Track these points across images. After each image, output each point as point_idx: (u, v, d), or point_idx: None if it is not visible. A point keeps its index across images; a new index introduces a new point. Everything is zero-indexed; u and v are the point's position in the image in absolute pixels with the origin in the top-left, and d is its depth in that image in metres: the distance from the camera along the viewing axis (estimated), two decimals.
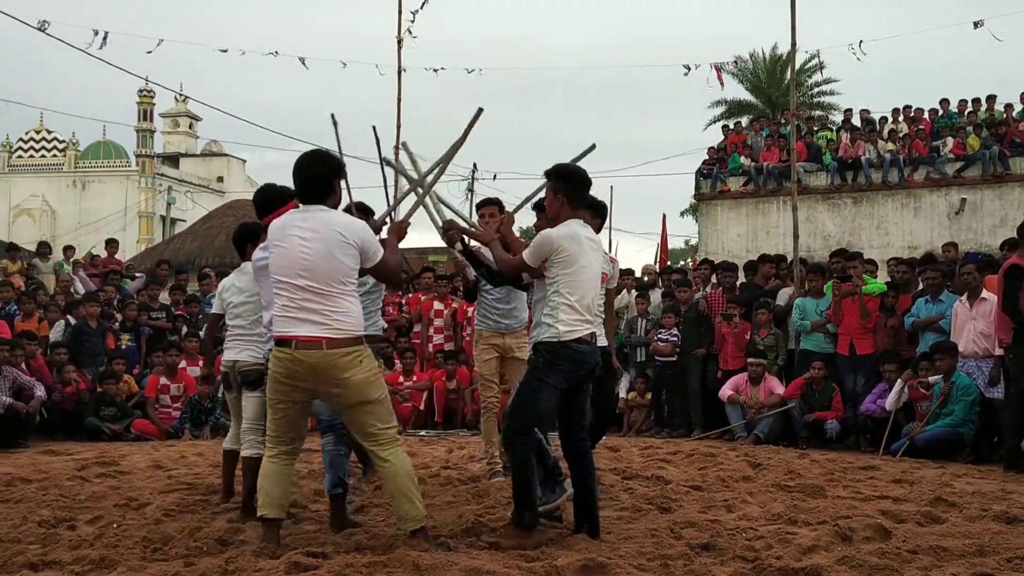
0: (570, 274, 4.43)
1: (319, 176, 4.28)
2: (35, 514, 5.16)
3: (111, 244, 15.60)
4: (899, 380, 8.29)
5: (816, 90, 32.46)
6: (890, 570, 3.97)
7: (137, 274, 13.92)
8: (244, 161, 50.53)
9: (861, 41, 15.80)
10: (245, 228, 5.57)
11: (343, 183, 4.45)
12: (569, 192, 4.60)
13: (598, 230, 5.26)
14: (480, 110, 5.03)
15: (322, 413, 4.96)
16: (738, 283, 10.82)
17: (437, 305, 10.99)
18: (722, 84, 20.30)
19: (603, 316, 5.59)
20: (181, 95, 40.79)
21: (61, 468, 7.13)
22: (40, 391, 9.00)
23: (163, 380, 9.81)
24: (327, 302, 4.13)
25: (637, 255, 52.97)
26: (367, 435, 4.27)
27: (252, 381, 5.25)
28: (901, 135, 19.43)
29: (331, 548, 4.36)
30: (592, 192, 5.02)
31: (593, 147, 5.40)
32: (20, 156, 44.91)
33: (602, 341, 5.32)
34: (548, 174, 4.63)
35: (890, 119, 20.12)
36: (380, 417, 4.25)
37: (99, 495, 5.94)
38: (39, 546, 4.47)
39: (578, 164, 4.85)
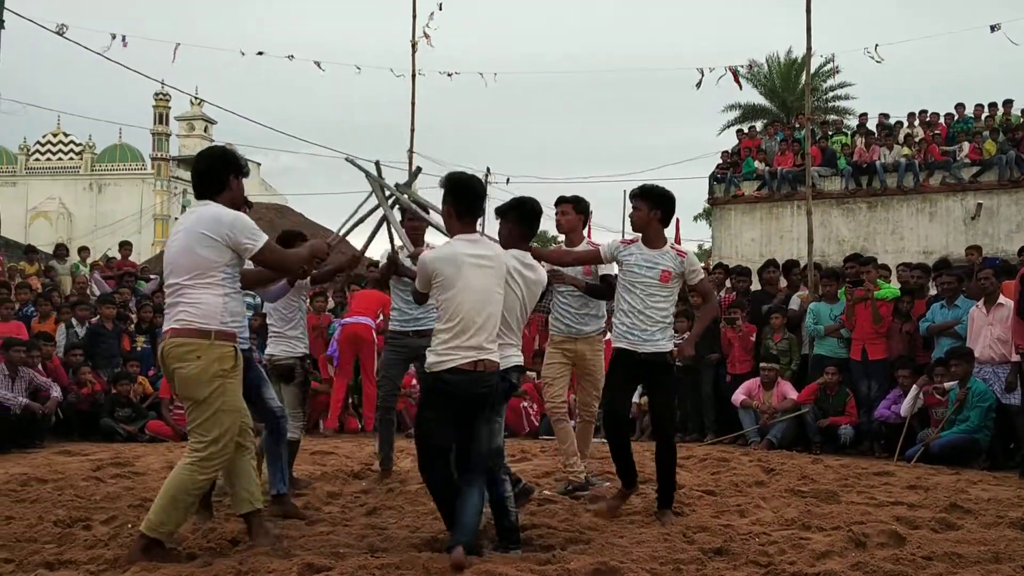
0: (448, 299, 4.20)
1: (206, 170, 4.33)
2: (51, 514, 5.20)
3: (125, 247, 15.72)
4: (914, 386, 8.25)
5: (831, 94, 32.37)
6: None
7: (151, 276, 14.01)
8: (259, 164, 50.76)
9: (877, 45, 15.69)
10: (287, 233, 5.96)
11: (237, 183, 4.42)
12: (455, 204, 4.35)
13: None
14: (419, 168, 5.30)
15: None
16: (751, 288, 10.79)
17: None
18: (740, 86, 20.24)
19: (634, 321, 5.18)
20: (197, 98, 41.02)
21: (76, 468, 7.17)
22: (56, 392, 9.06)
23: None
24: (184, 295, 4.15)
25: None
26: (189, 432, 4.24)
27: (283, 374, 5.82)
28: (917, 140, 19.33)
29: (344, 549, 4.38)
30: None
31: (419, 169, 5.49)
32: (37, 159, 45.32)
33: (647, 347, 5.15)
34: (440, 182, 4.39)
35: (905, 123, 20.03)
36: (200, 422, 4.12)
37: (114, 495, 5.98)
38: (55, 545, 4.50)
39: (467, 174, 4.47)
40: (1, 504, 5.55)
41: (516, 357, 4.64)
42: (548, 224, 6.92)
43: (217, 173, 4.33)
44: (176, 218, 42.56)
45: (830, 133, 20.80)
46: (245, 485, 4.42)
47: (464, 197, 4.36)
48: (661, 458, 5.30)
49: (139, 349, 10.81)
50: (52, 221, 43.27)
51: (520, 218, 4.75)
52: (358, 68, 19.37)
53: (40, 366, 9.21)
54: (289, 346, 5.86)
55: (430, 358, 4.24)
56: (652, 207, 5.21)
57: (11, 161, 43.35)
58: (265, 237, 4.27)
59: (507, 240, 4.70)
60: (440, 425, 4.24)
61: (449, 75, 18.49)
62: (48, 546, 4.48)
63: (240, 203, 4.46)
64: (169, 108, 44.31)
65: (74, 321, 10.65)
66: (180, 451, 8.42)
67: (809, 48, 11.87)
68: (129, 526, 4.98)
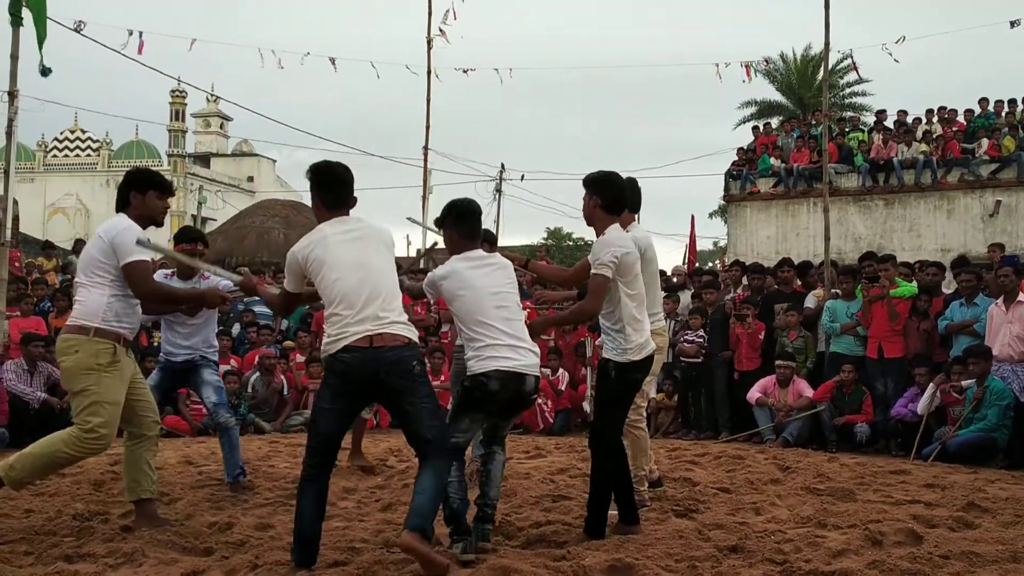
0: (319, 281, 3.97)
1: (120, 187, 4.71)
2: (69, 507, 5.25)
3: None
4: (931, 384, 8.20)
5: (848, 91, 32.18)
6: (921, 575, 3.93)
7: (168, 272, 14.07)
8: (274, 161, 51.01)
9: (903, 37, 15.51)
10: None
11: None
12: (318, 194, 4.17)
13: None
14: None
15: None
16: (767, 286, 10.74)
17: None
18: (750, 78, 20.15)
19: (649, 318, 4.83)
20: (213, 95, 41.20)
21: (94, 463, 7.20)
22: None
23: None
24: (78, 292, 4.58)
25: (666, 256, 52.87)
26: (73, 419, 4.49)
27: None
28: (935, 136, 19.21)
29: (360, 544, 4.40)
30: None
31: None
32: (55, 155, 45.63)
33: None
34: (305, 174, 4.26)
35: (924, 120, 19.89)
36: (79, 411, 4.43)
37: None
38: (73, 539, 4.54)
39: (329, 163, 4.29)
40: (21, 497, 5.60)
41: (528, 359, 4.30)
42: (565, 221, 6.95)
43: (122, 190, 4.70)
44: (192, 214, 42.82)
45: (847, 130, 20.70)
46: (133, 475, 4.82)
47: (327, 187, 4.15)
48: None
49: (156, 344, 10.86)
50: (70, 217, 43.55)
51: (456, 220, 4.53)
52: (373, 65, 19.33)
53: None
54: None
55: (325, 340, 3.97)
56: (591, 194, 4.74)
57: (29, 158, 43.65)
58: (135, 259, 4.47)
59: (452, 246, 4.51)
60: (327, 412, 3.93)
61: (465, 72, 18.48)
62: (67, 539, 4.53)
63: (147, 218, 4.71)
64: (185, 105, 44.50)
65: None
66: (197, 446, 8.50)
67: (827, 44, 11.79)
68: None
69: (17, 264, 12.95)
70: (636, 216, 5.77)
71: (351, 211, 4.21)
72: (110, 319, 4.47)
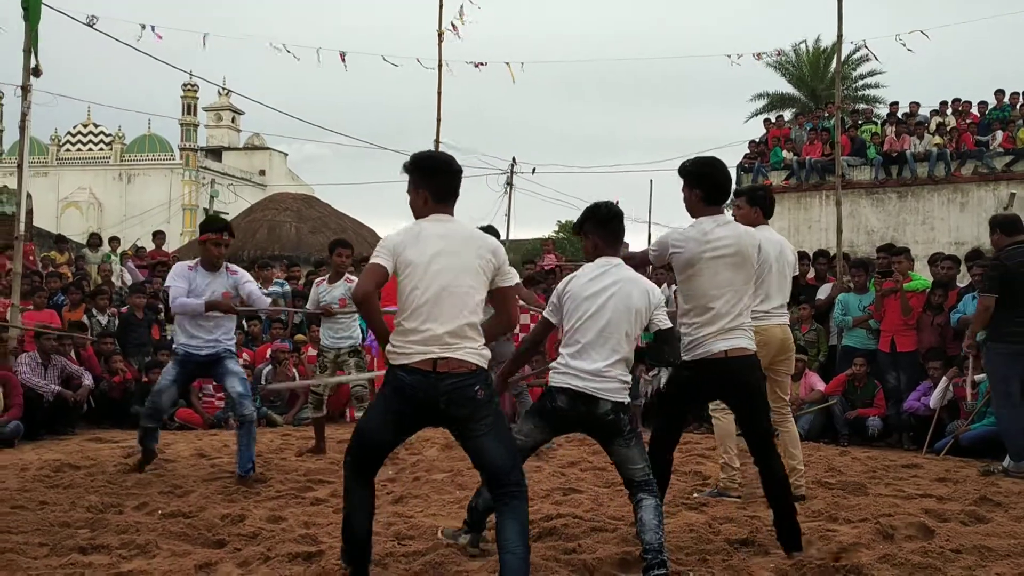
0: (400, 282, 3.64)
1: None
2: (83, 499, 5.29)
3: (158, 236, 15.90)
4: (944, 378, 8.16)
5: (861, 83, 32.00)
6: (933, 569, 3.92)
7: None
8: (286, 155, 51.08)
9: (919, 30, 15.37)
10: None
11: None
12: (425, 183, 3.77)
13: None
14: None
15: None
16: None
17: None
18: (759, 58, 20.03)
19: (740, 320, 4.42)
20: (224, 89, 41.29)
21: (108, 455, 7.28)
22: (88, 380, 9.19)
23: None
24: None
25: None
26: None
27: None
28: (949, 129, 19.08)
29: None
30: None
31: None
32: (68, 150, 45.83)
33: (721, 345, 4.29)
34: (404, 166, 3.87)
35: (938, 112, 19.75)
36: None
37: (145, 482, 6.07)
38: (88, 530, 4.58)
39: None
40: (35, 489, 5.65)
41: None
42: (576, 214, 6.99)
43: None
44: (205, 208, 42.97)
45: (860, 122, 20.58)
46: None
47: (437, 174, 3.78)
48: None
49: (169, 338, 10.93)
50: (83, 211, 43.75)
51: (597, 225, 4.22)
52: (385, 59, 19.31)
53: (73, 354, 9.35)
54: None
55: (387, 348, 3.66)
56: (689, 187, 4.47)
57: (42, 152, 43.84)
58: None
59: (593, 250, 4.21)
60: (381, 418, 3.65)
61: (476, 65, 18.44)
62: (81, 531, 4.57)
63: None
64: (197, 99, 44.57)
65: (94, 311, 10.78)
66: (210, 438, 8.55)
67: (840, 35, 11.72)
68: (159, 512, 5.06)
69: (32, 258, 13.01)
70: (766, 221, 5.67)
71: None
72: None
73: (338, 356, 7.36)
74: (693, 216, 4.42)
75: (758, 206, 5.60)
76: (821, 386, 9.08)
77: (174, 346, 6.33)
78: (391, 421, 3.61)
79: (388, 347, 3.61)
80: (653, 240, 4.70)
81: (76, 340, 9.49)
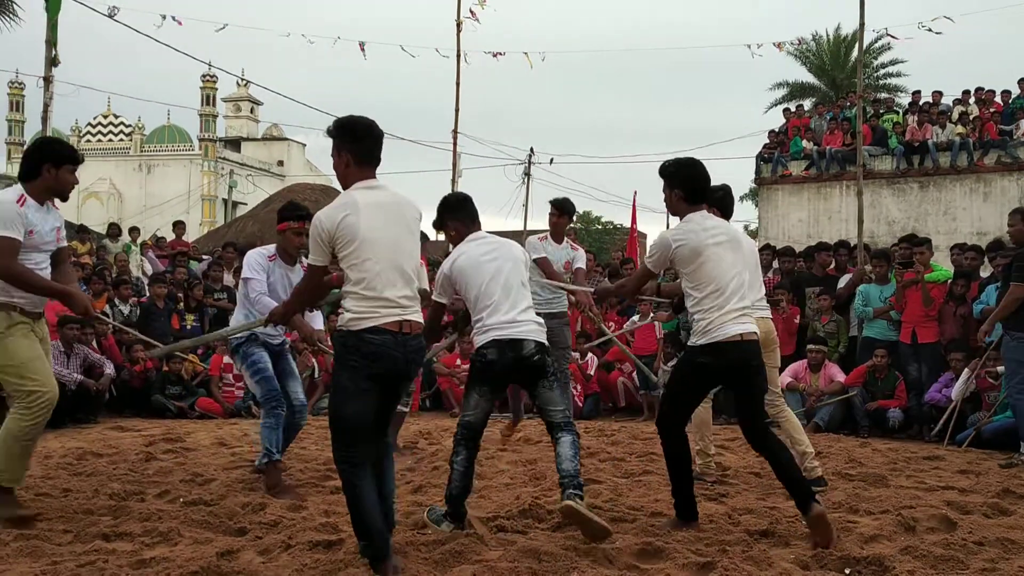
0: (348, 256, 3.67)
1: (25, 156, 4.59)
2: (106, 487, 5.34)
3: (178, 226, 15.99)
4: (966, 369, 8.10)
5: (882, 72, 31.71)
6: (955, 561, 3.89)
7: (204, 256, 14.23)
8: (304, 145, 51.22)
9: (942, 17, 15.18)
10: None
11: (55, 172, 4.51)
12: (349, 147, 3.79)
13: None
14: None
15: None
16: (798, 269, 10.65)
17: None
18: (781, 49, 19.89)
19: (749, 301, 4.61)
20: (243, 80, 41.43)
21: (130, 444, 7.34)
22: (110, 369, 9.27)
23: (227, 359, 10.01)
24: None
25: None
26: (7, 391, 4.56)
27: None
28: (972, 118, 18.87)
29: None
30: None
31: None
32: (89, 140, 46.16)
33: (737, 329, 4.39)
34: (328, 130, 3.91)
35: (960, 101, 19.53)
36: (7, 385, 4.51)
37: (166, 470, 6.12)
38: (111, 517, 4.62)
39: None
40: (59, 477, 5.71)
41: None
42: (594, 205, 7.03)
43: (33, 160, 4.54)
44: (224, 199, 43.20)
45: (881, 111, 20.39)
46: None
47: (361, 139, 3.79)
48: None
49: (188, 328, 11.01)
50: (103, 201, 44.10)
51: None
52: (403, 48, 19.31)
53: (95, 343, 9.43)
54: None
55: (344, 315, 3.69)
56: (671, 187, 4.66)
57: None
58: (3, 233, 4.32)
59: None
60: (354, 393, 3.65)
61: (495, 55, 18.41)
62: (104, 518, 4.60)
63: (57, 192, 4.62)
64: (216, 89, 44.78)
65: (116, 300, 10.86)
66: (229, 427, 8.61)
67: (862, 23, 11.61)
68: (181, 500, 5.10)
69: None
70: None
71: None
72: (3, 296, 4.42)
73: None
74: (678, 215, 4.63)
75: (715, 206, 5.52)
76: (841, 377, 9.03)
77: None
78: (366, 391, 3.63)
79: (348, 315, 3.65)
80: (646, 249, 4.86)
81: (98, 330, 9.55)
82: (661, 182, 4.65)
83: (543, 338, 4.44)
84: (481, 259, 4.45)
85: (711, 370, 4.51)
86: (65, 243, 4.84)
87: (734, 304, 4.41)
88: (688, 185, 4.56)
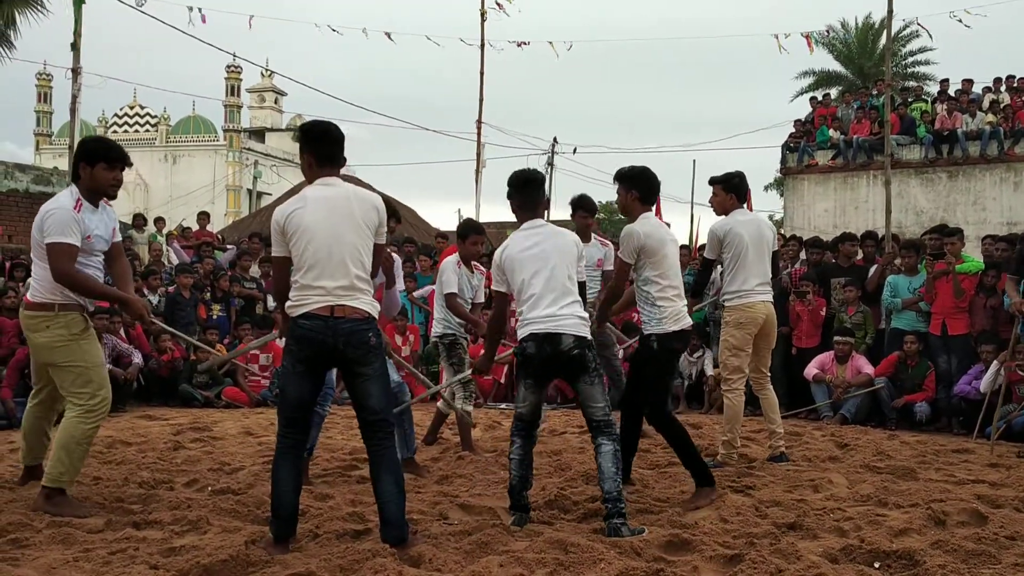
0: (293, 246, 3.90)
1: (74, 157, 4.74)
2: (136, 476, 5.40)
3: (203, 217, 16.10)
4: (995, 361, 7.99)
5: (911, 59, 31.31)
6: (987, 556, 3.85)
7: (229, 246, 14.32)
8: None
9: (974, 10, 14.96)
10: None
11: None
12: (309, 149, 4.04)
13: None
14: None
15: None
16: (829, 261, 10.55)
17: None
18: (811, 50, 19.69)
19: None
20: (267, 70, 41.55)
21: (158, 432, 7.42)
22: (138, 358, 9.36)
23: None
24: (33, 271, 4.74)
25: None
26: (63, 394, 4.62)
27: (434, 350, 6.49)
28: (1002, 106, 18.59)
29: (417, 516, 4.45)
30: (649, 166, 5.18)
31: None
32: (115, 131, 46.49)
33: (688, 319, 5.10)
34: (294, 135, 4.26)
35: (991, 89, 19.24)
36: (67, 381, 4.56)
37: (194, 459, 6.17)
38: (140, 505, 4.67)
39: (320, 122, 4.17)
40: (89, 465, 5.76)
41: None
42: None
43: (74, 161, 4.73)
44: (248, 189, 43.45)
45: (909, 100, 20.13)
46: (32, 440, 5.00)
47: (320, 141, 4.05)
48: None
49: (215, 317, 11.09)
50: (130, 192, 44.36)
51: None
52: (429, 38, 19.31)
53: (123, 333, 9.52)
54: (437, 325, 6.49)
55: (287, 304, 3.95)
56: (627, 188, 5.15)
57: (90, 133, 44.56)
58: (61, 240, 4.43)
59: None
60: (294, 377, 3.91)
61: (519, 45, 18.36)
62: (134, 506, 4.66)
63: (96, 191, 4.67)
64: (241, 80, 44.97)
65: (146, 290, 10.95)
66: (256, 416, 8.67)
67: (890, 10, 11.46)
68: (209, 489, 5.14)
69: None
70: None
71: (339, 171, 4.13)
72: (68, 294, 4.52)
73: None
74: (632, 215, 5.12)
75: (732, 192, 6.09)
76: (868, 369, 8.95)
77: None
78: (301, 373, 3.90)
79: (288, 303, 3.93)
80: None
81: (125, 320, 9.64)
82: (659, 178, 5.18)
83: (585, 332, 4.41)
84: (526, 250, 4.47)
85: (678, 354, 5.24)
86: (119, 238, 4.93)
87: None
88: (645, 186, 5.10)
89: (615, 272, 5.36)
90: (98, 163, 4.61)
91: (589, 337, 4.44)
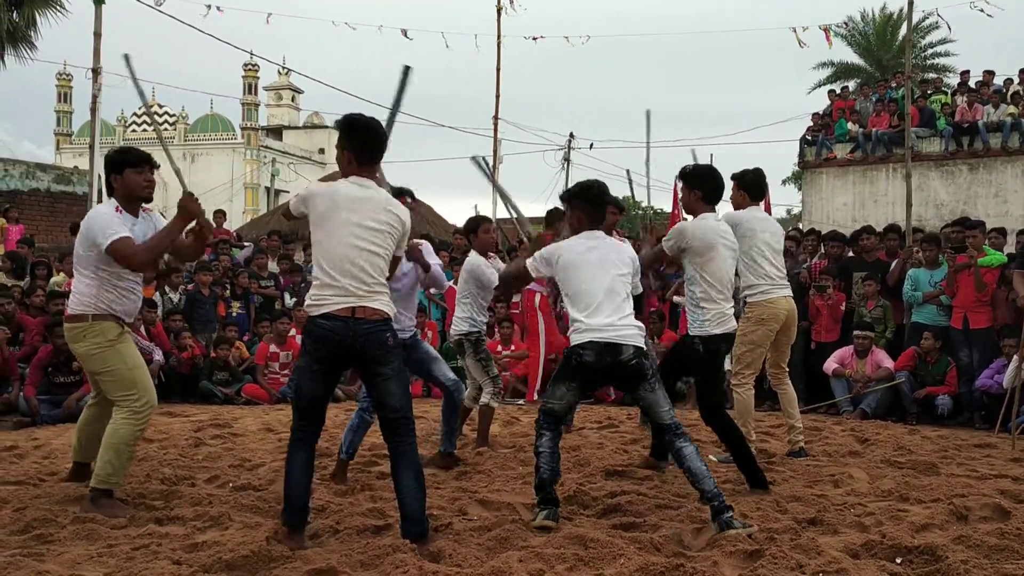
0: (318, 241, 3.95)
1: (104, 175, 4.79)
2: (158, 472, 5.44)
3: (219, 214, 16.18)
4: (1015, 356, 7.92)
5: (930, 51, 31.04)
6: (1010, 551, 3.82)
7: (246, 243, 14.40)
8: None
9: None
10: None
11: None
12: (351, 146, 4.03)
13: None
14: (407, 68, 4.65)
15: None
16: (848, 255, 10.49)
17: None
18: (830, 44, 19.56)
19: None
20: (284, 68, 41.74)
21: (179, 429, 7.47)
22: (158, 356, 9.43)
23: (272, 347, 10.15)
24: (74, 284, 4.80)
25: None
26: (110, 399, 4.71)
27: (458, 348, 6.40)
28: None
29: (437, 511, 4.46)
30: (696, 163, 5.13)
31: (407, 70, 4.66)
32: (134, 130, 46.82)
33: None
34: (336, 124, 4.20)
35: (1016, 80, 19.02)
36: (112, 387, 4.66)
37: (215, 455, 6.22)
38: (163, 502, 4.71)
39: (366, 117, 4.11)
40: None
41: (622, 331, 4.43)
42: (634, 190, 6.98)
43: (105, 179, 4.79)
44: (266, 187, 43.64)
45: (929, 92, 19.96)
46: (83, 438, 5.06)
47: (365, 141, 4.05)
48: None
49: (234, 315, 11.16)
50: None
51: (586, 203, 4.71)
52: (443, 36, 19.32)
53: (143, 331, 9.59)
54: (458, 323, 6.38)
55: (306, 303, 4.00)
56: (690, 188, 5.29)
57: (110, 133, 44.75)
58: (115, 236, 4.50)
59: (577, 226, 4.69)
60: (308, 374, 3.96)
61: (534, 39, 18.34)
62: (156, 502, 4.70)
63: (133, 198, 4.75)
64: (258, 78, 45.15)
65: (167, 288, 11.02)
66: (276, 413, 8.72)
67: (911, 1, 11.35)
68: (230, 485, 5.18)
69: None
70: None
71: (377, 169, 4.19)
72: (103, 307, 4.62)
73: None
74: (694, 213, 5.22)
75: (744, 190, 6.05)
76: (888, 363, 8.89)
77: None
78: (318, 371, 3.94)
79: (308, 302, 3.96)
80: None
81: (147, 318, 9.72)
82: (722, 177, 5.27)
83: (641, 342, 4.42)
84: (586, 253, 4.46)
85: (723, 355, 5.26)
86: None
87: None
88: (708, 187, 5.20)
89: (646, 256, 5.49)
90: (124, 169, 4.71)
91: (645, 347, 4.44)
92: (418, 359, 5.77)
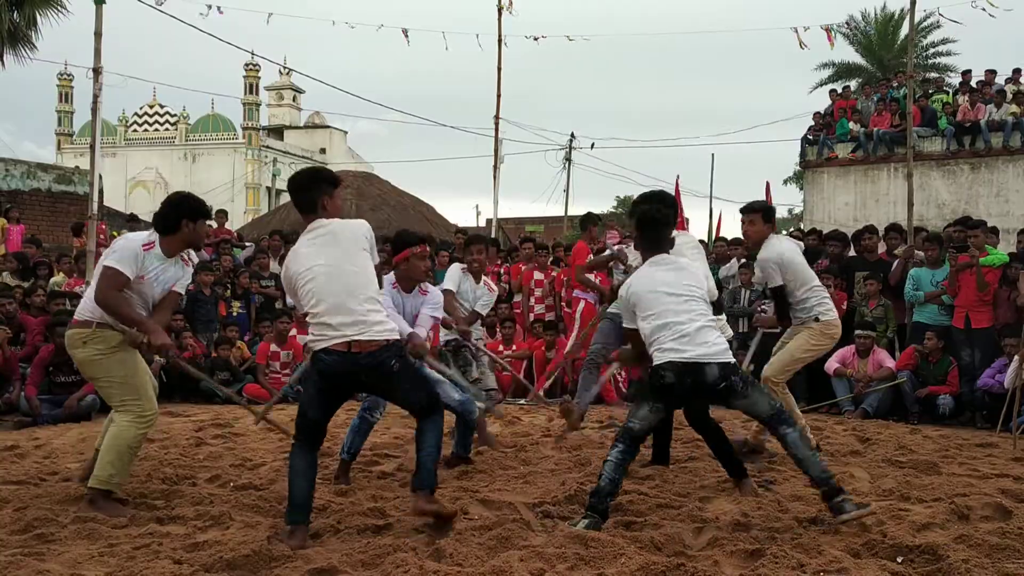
0: (303, 286, 4.12)
1: (161, 213, 4.76)
2: (159, 472, 5.44)
3: (220, 215, 16.18)
4: (1016, 356, 7.91)
5: (932, 51, 31.02)
6: (1011, 551, 3.82)
7: (247, 243, 14.39)
8: (346, 133, 51.53)
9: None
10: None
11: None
12: (294, 201, 4.34)
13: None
14: None
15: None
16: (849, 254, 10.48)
17: (537, 275, 11.03)
18: (832, 45, 19.51)
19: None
20: (285, 68, 41.74)
21: (180, 429, 7.47)
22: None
23: (273, 347, 10.14)
24: (86, 291, 4.81)
25: (740, 224, 51.69)
26: (112, 405, 4.73)
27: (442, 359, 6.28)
28: None
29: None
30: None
31: None
32: (135, 130, 46.86)
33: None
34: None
35: (1012, 79, 19.01)
36: (113, 394, 4.67)
37: (216, 455, 6.22)
38: (164, 501, 4.72)
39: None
40: None
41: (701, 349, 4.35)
42: (635, 190, 7.01)
43: (171, 215, 4.72)
44: (267, 187, 43.67)
45: (931, 91, 19.93)
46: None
47: (294, 192, 4.31)
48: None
49: (235, 315, 11.16)
50: (150, 190, 44.73)
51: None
52: (444, 36, 19.31)
53: None
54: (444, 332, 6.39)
55: (308, 337, 4.25)
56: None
57: (111, 132, 44.84)
58: (113, 264, 4.51)
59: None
60: (314, 398, 4.16)
61: (535, 39, 18.32)
62: (158, 502, 4.70)
63: (196, 245, 4.85)
64: (259, 78, 45.19)
65: None
66: (276, 413, 8.68)
67: (913, 0, 11.34)
68: (231, 484, 5.18)
69: (103, 236, 13.37)
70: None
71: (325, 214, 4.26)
72: (108, 319, 4.58)
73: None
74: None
75: (770, 223, 6.25)
76: (890, 363, 8.89)
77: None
78: (320, 399, 4.14)
79: (308, 337, 4.17)
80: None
81: None
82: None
83: (728, 357, 4.33)
84: (658, 286, 4.45)
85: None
86: (181, 290, 4.91)
87: None
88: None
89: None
90: (200, 219, 4.76)
91: (733, 361, 4.36)
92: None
